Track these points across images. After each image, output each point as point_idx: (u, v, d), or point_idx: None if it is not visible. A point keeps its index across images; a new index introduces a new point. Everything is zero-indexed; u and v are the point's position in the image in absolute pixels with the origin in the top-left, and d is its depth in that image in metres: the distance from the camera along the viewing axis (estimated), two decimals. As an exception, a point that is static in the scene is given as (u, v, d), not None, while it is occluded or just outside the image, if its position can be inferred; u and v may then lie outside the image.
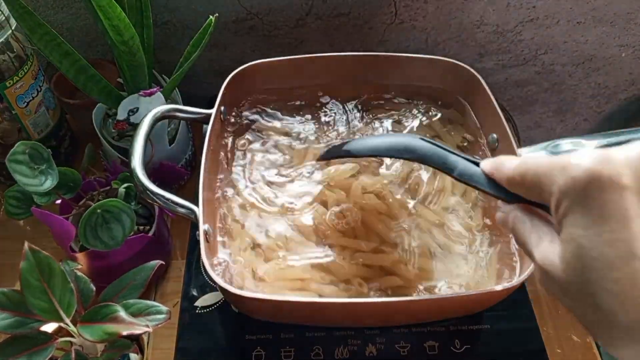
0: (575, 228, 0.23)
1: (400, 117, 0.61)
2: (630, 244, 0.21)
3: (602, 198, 0.22)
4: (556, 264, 0.24)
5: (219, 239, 0.51)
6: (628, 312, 0.22)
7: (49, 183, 0.48)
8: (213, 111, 0.54)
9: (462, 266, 0.50)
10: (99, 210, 0.47)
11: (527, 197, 0.29)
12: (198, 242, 0.45)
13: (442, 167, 0.39)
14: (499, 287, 0.43)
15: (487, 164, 0.34)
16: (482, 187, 0.34)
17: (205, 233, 0.46)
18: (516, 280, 0.44)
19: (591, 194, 0.23)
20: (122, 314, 0.39)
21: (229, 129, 0.60)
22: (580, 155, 0.24)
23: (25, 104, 0.59)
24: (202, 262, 0.44)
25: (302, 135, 0.60)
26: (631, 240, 0.21)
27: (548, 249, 0.26)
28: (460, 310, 0.50)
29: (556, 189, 0.24)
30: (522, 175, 0.28)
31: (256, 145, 0.59)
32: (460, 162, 0.37)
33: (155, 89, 0.55)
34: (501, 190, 0.32)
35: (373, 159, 0.57)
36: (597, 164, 0.23)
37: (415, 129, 0.60)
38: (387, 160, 0.58)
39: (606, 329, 0.23)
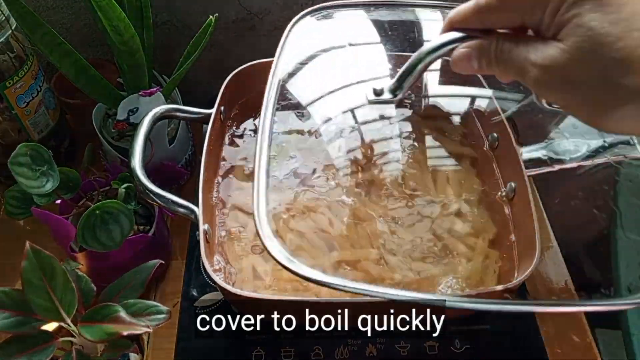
0: (586, 15, 0.27)
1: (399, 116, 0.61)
2: (630, 21, 0.26)
3: None
4: (558, 55, 0.28)
5: (219, 238, 0.51)
6: (633, 74, 0.26)
7: (50, 185, 0.48)
8: (213, 111, 0.54)
9: (463, 266, 0.50)
10: (97, 212, 0.47)
11: (504, 23, 0.32)
12: (198, 242, 0.45)
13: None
14: (499, 287, 0.43)
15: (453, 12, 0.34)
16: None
17: (205, 233, 0.46)
18: (516, 280, 0.44)
19: None
20: (123, 314, 0.39)
21: (228, 129, 0.60)
22: None
23: (25, 104, 0.59)
24: (202, 262, 0.44)
25: (302, 135, 0.60)
26: (630, 18, 0.27)
27: (546, 49, 0.29)
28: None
29: None
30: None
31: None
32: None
33: (155, 89, 0.55)
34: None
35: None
36: None
37: (413, 129, 0.60)
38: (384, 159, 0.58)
39: (611, 94, 0.28)
